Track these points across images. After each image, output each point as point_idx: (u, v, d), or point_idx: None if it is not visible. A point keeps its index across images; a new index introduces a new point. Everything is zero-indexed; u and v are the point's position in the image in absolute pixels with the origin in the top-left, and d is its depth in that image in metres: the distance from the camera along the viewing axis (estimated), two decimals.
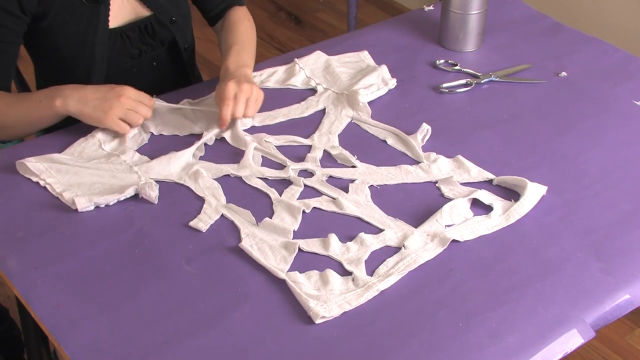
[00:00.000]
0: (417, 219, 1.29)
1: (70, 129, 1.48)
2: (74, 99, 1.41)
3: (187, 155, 1.41)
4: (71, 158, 1.40)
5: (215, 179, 1.38)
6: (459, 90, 1.62)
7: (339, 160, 1.43)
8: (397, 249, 1.24)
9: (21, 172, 1.38)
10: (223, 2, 1.72)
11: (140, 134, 1.47)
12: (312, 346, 1.09)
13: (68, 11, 1.49)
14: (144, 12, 1.59)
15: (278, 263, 1.21)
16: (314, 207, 1.32)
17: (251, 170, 1.39)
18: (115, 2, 1.54)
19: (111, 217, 1.30)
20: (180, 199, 1.34)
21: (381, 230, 1.27)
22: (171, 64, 1.69)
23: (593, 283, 1.18)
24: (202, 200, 1.33)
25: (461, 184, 1.37)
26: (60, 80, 1.47)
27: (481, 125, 1.52)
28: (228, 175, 1.39)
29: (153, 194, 1.32)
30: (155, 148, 1.44)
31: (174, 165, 1.39)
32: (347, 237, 1.26)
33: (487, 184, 1.37)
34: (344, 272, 1.20)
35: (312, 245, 1.24)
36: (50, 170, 1.36)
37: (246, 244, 1.24)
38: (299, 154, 1.44)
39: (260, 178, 1.38)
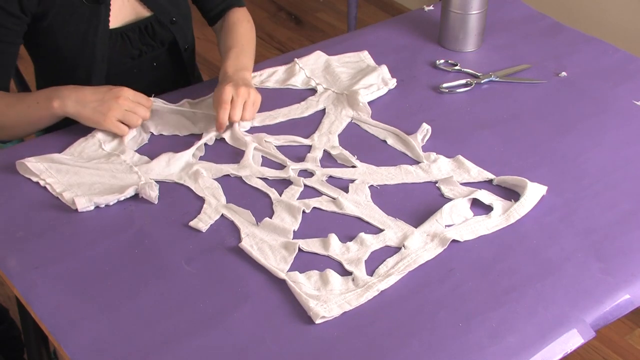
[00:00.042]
0: (417, 219, 1.29)
1: (70, 129, 1.48)
2: (72, 100, 1.41)
3: (187, 155, 1.41)
4: (71, 158, 1.40)
5: (215, 179, 1.38)
6: (459, 90, 1.62)
7: (339, 160, 1.43)
8: (397, 249, 1.24)
9: (21, 172, 1.38)
10: (223, 2, 1.72)
11: (140, 134, 1.47)
12: (312, 346, 1.09)
13: (68, 11, 1.49)
14: (145, 13, 1.59)
15: (278, 263, 1.21)
16: (314, 207, 1.32)
17: (251, 170, 1.39)
18: (115, 3, 1.54)
19: (111, 217, 1.30)
20: (180, 199, 1.34)
21: (381, 230, 1.27)
22: (171, 65, 1.69)
23: (593, 283, 1.18)
24: (202, 200, 1.33)
25: (461, 184, 1.37)
26: (60, 81, 1.47)
27: (481, 125, 1.52)
28: (228, 175, 1.39)
29: (153, 194, 1.32)
30: (155, 148, 1.44)
31: (174, 166, 1.39)
32: (347, 237, 1.26)
33: (487, 184, 1.37)
34: (344, 272, 1.20)
35: (312, 245, 1.24)
36: (50, 170, 1.36)
37: (246, 244, 1.24)
38: (299, 154, 1.44)
39: (260, 178, 1.38)
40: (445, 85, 1.62)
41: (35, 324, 1.27)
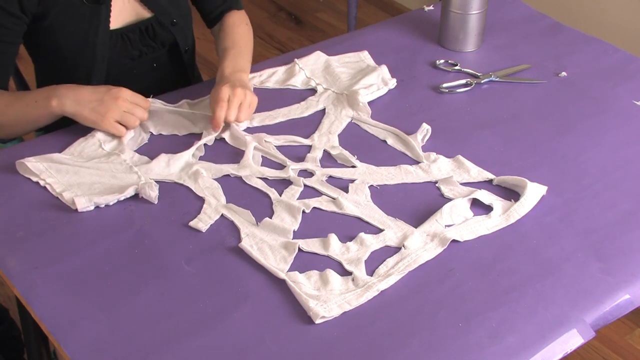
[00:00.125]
0: (417, 219, 1.29)
1: (70, 128, 1.48)
2: (70, 100, 1.41)
3: (186, 155, 1.41)
4: (71, 158, 1.40)
5: (215, 179, 1.38)
6: (459, 90, 1.62)
7: (339, 160, 1.43)
8: (397, 249, 1.24)
9: (21, 172, 1.38)
10: (222, 4, 1.72)
11: (139, 134, 1.47)
12: (312, 346, 1.09)
13: (69, 11, 1.49)
14: (145, 14, 1.59)
15: (278, 263, 1.21)
16: (314, 207, 1.32)
17: (251, 170, 1.39)
18: (116, 3, 1.54)
19: (111, 217, 1.30)
20: (180, 199, 1.34)
21: (381, 230, 1.27)
22: (171, 65, 1.69)
23: (593, 283, 1.18)
24: (202, 200, 1.33)
25: (461, 184, 1.37)
26: (60, 81, 1.47)
27: (481, 125, 1.52)
28: (228, 175, 1.39)
29: (153, 194, 1.32)
30: (154, 148, 1.44)
31: (174, 166, 1.39)
32: (347, 237, 1.26)
33: (487, 184, 1.37)
34: (344, 272, 1.20)
35: (312, 245, 1.24)
36: (50, 170, 1.36)
37: (246, 244, 1.24)
38: (299, 154, 1.44)
39: (260, 178, 1.38)
40: (445, 85, 1.62)
41: (35, 324, 1.27)
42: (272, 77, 1.65)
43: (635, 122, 1.53)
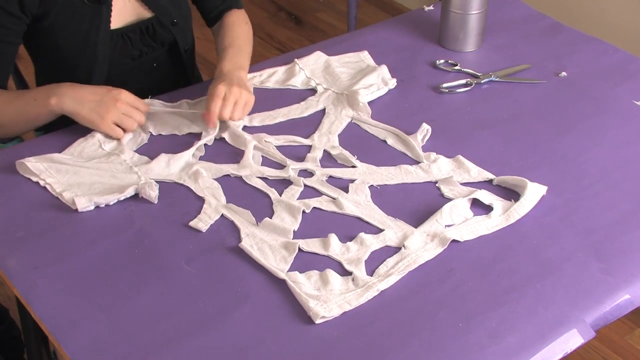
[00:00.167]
0: (417, 219, 1.29)
1: (70, 129, 1.48)
2: (70, 98, 1.41)
3: (186, 155, 1.41)
4: (71, 158, 1.40)
5: (215, 179, 1.38)
6: (459, 90, 1.62)
7: (339, 160, 1.43)
8: (397, 249, 1.24)
9: (21, 172, 1.38)
10: (222, 4, 1.73)
11: (139, 134, 1.47)
12: (312, 346, 1.09)
13: (69, 12, 1.49)
14: (146, 14, 1.59)
15: (278, 263, 1.21)
16: (314, 207, 1.32)
17: (251, 170, 1.39)
18: (117, 3, 1.54)
19: (111, 217, 1.30)
20: (180, 199, 1.34)
21: (381, 230, 1.27)
22: (171, 65, 1.69)
23: (593, 283, 1.18)
24: (202, 200, 1.33)
25: (461, 184, 1.37)
26: (60, 81, 1.47)
27: (481, 125, 1.52)
28: (228, 175, 1.39)
29: (153, 193, 1.32)
30: (154, 148, 1.44)
31: (174, 166, 1.39)
32: (347, 237, 1.26)
33: (487, 184, 1.37)
34: (344, 272, 1.20)
35: (312, 245, 1.24)
36: (50, 170, 1.36)
37: (246, 244, 1.24)
38: (299, 154, 1.44)
39: (260, 178, 1.38)
40: (445, 85, 1.62)
41: (35, 324, 1.27)
42: (272, 77, 1.65)
43: (635, 122, 1.53)
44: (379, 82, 1.61)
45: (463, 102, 1.59)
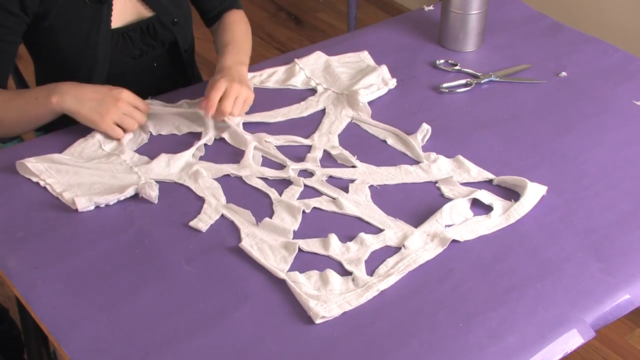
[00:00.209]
0: (417, 219, 1.29)
1: (70, 129, 1.48)
2: (71, 97, 1.41)
3: (186, 155, 1.41)
4: (71, 158, 1.40)
5: (215, 179, 1.38)
6: (459, 90, 1.62)
7: (339, 160, 1.43)
8: (397, 249, 1.24)
9: (21, 172, 1.38)
10: (221, 4, 1.73)
11: (139, 134, 1.47)
12: (312, 346, 1.09)
13: (70, 11, 1.49)
14: (146, 13, 1.59)
15: (278, 263, 1.21)
16: (314, 207, 1.32)
17: (251, 170, 1.39)
18: (117, 3, 1.54)
19: (111, 217, 1.30)
20: (180, 199, 1.34)
21: (381, 230, 1.27)
22: (171, 65, 1.69)
23: (593, 283, 1.18)
24: (202, 200, 1.33)
25: (461, 184, 1.37)
26: (60, 80, 1.47)
27: (481, 125, 1.52)
28: (228, 175, 1.39)
29: (153, 193, 1.32)
30: (154, 148, 1.44)
31: (174, 166, 1.39)
32: (347, 237, 1.26)
33: (487, 184, 1.37)
34: (344, 272, 1.20)
35: (312, 245, 1.24)
36: (50, 171, 1.36)
37: (246, 244, 1.24)
38: (299, 154, 1.44)
39: (260, 178, 1.38)
40: (445, 85, 1.62)
41: (35, 324, 1.27)
42: (272, 77, 1.65)
43: (635, 122, 1.53)
44: (379, 82, 1.61)
45: (463, 102, 1.59)
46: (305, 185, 1.36)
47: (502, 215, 1.30)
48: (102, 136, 1.44)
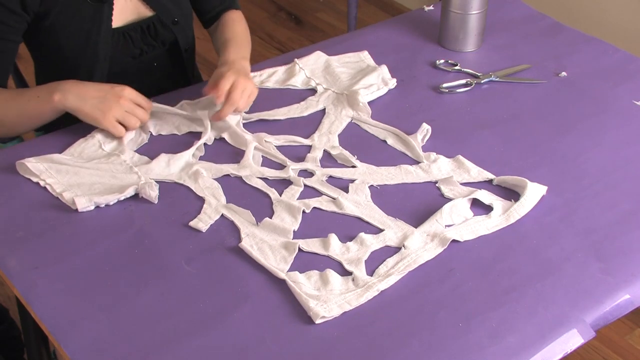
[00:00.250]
0: (417, 219, 1.29)
1: (70, 128, 1.48)
2: (73, 94, 1.41)
3: (186, 155, 1.41)
4: (71, 158, 1.40)
5: (215, 179, 1.38)
6: (459, 90, 1.62)
7: (339, 160, 1.43)
8: (397, 249, 1.24)
9: (21, 172, 1.38)
10: (220, 4, 1.73)
11: (139, 134, 1.47)
12: (312, 346, 1.09)
13: (71, 10, 1.49)
14: (147, 13, 1.60)
15: (278, 263, 1.21)
16: (314, 207, 1.32)
17: (251, 170, 1.39)
18: (118, 2, 1.54)
19: (111, 217, 1.30)
20: (180, 199, 1.34)
21: (381, 230, 1.27)
22: (171, 65, 1.69)
23: (593, 283, 1.18)
24: (202, 200, 1.33)
25: (461, 184, 1.37)
26: (60, 80, 1.47)
27: (481, 125, 1.52)
28: (228, 175, 1.39)
29: (153, 193, 1.32)
30: (154, 148, 1.44)
31: (174, 166, 1.39)
32: (347, 237, 1.26)
33: (487, 184, 1.37)
34: (344, 272, 1.20)
35: (312, 245, 1.24)
36: (50, 171, 1.36)
37: (246, 244, 1.24)
38: (299, 154, 1.44)
39: (260, 178, 1.38)
40: (445, 85, 1.62)
41: (35, 324, 1.27)
42: (272, 77, 1.65)
43: (635, 122, 1.53)
44: (379, 82, 1.61)
45: (463, 102, 1.59)
46: (305, 185, 1.36)
47: (502, 215, 1.30)
48: (102, 136, 1.44)
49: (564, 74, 1.66)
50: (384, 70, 1.64)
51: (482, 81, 1.64)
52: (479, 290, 1.17)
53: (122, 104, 1.41)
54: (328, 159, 1.43)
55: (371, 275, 1.19)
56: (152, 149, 1.44)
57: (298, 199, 1.33)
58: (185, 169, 1.39)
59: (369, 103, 1.56)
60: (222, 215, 1.30)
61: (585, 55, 1.73)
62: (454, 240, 1.25)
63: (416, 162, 1.42)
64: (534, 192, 1.32)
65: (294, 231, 1.27)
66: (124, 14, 1.57)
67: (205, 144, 1.45)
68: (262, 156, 1.43)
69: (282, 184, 1.37)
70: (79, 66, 1.54)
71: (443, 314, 1.13)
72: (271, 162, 1.42)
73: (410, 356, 1.07)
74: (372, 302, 1.15)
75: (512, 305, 1.14)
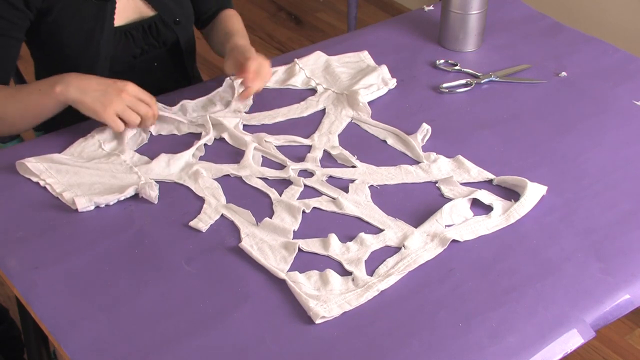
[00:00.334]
0: (417, 219, 1.29)
1: (70, 128, 1.48)
2: (75, 87, 1.40)
3: (186, 155, 1.41)
4: (71, 158, 1.40)
5: (215, 179, 1.38)
6: (459, 90, 1.62)
7: (339, 160, 1.43)
8: (397, 249, 1.24)
9: (21, 172, 1.38)
10: (217, 4, 1.74)
11: (139, 134, 1.47)
12: (312, 346, 1.09)
13: (74, 8, 1.49)
14: (148, 12, 1.60)
15: (278, 263, 1.21)
16: (314, 207, 1.32)
17: (251, 170, 1.39)
18: (120, 1, 1.54)
19: (111, 217, 1.30)
20: (180, 199, 1.34)
21: (381, 230, 1.27)
22: (172, 65, 1.69)
23: (593, 283, 1.19)
24: (202, 200, 1.33)
25: (461, 184, 1.37)
26: None
27: (481, 125, 1.52)
28: (228, 175, 1.39)
29: (153, 193, 1.32)
30: (154, 148, 1.44)
31: (174, 166, 1.39)
32: (347, 237, 1.26)
33: (487, 184, 1.37)
34: (344, 272, 1.20)
35: (312, 245, 1.24)
36: (50, 171, 1.36)
37: (246, 244, 1.24)
38: (299, 154, 1.44)
39: (260, 178, 1.38)
40: (445, 85, 1.62)
41: (35, 324, 1.27)
42: (272, 77, 1.65)
43: (635, 122, 1.53)
44: (379, 82, 1.61)
45: (463, 102, 1.59)
46: (305, 185, 1.36)
47: (502, 215, 1.30)
48: (102, 136, 1.44)
49: (564, 74, 1.66)
50: (384, 70, 1.64)
51: (482, 81, 1.64)
52: (479, 290, 1.17)
53: (124, 98, 1.40)
54: (328, 159, 1.43)
55: (371, 275, 1.19)
56: (152, 149, 1.44)
57: (298, 199, 1.33)
58: (185, 169, 1.39)
59: (369, 103, 1.56)
60: (222, 215, 1.30)
61: (585, 55, 1.73)
62: (454, 240, 1.25)
63: (416, 162, 1.42)
64: (534, 192, 1.32)
65: (294, 231, 1.27)
66: (125, 13, 1.57)
67: (205, 144, 1.45)
68: (262, 156, 1.43)
69: (282, 184, 1.37)
70: (80, 65, 1.54)
71: (443, 314, 1.13)
72: (271, 162, 1.42)
73: (410, 356, 1.07)
74: (372, 302, 1.15)
75: (512, 305, 1.14)
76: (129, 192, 1.32)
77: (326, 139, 1.47)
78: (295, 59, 1.68)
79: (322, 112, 1.55)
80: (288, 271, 1.19)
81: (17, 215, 1.30)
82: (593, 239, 1.26)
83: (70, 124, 1.48)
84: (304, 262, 1.21)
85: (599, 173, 1.40)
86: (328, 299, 1.14)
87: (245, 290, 1.17)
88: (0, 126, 1.46)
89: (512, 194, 1.35)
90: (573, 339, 1.11)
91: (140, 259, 1.22)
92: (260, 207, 1.32)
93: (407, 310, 1.14)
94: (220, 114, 1.50)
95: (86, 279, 1.18)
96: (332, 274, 1.18)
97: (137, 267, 1.21)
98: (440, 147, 1.45)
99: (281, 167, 1.41)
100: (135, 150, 1.44)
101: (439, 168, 1.40)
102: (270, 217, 1.29)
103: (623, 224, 1.29)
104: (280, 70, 1.67)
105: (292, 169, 1.39)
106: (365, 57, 1.70)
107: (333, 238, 1.25)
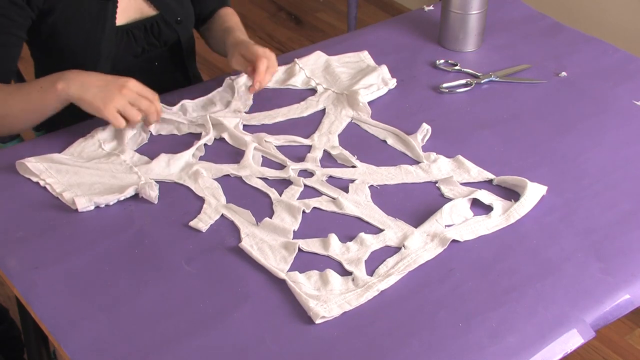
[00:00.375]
0: (417, 219, 1.29)
1: (70, 128, 1.48)
2: (76, 83, 1.39)
3: (186, 155, 1.41)
4: (71, 158, 1.40)
5: (215, 179, 1.38)
6: (459, 90, 1.62)
7: (339, 160, 1.43)
8: (397, 249, 1.24)
9: (21, 172, 1.38)
10: (215, 3, 1.74)
11: (139, 134, 1.47)
12: (312, 346, 1.09)
13: (75, 7, 1.49)
14: (150, 12, 1.60)
15: (278, 263, 1.21)
16: (314, 207, 1.32)
17: (251, 170, 1.39)
18: (121, 0, 1.54)
19: (111, 217, 1.30)
20: (180, 199, 1.34)
21: (381, 230, 1.27)
22: (172, 64, 1.69)
23: (593, 283, 1.19)
24: (202, 200, 1.33)
25: (461, 184, 1.37)
26: None
27: (481, 125, 1.52)
28: (228, 175, 1.39)
29: (153, 193, 1.32)
30: (154, 148, 1.44)
31: (174, 166, 1.39)
32: (347, 237, 1.26)
33: (487, 184, 1.37)
34: (344, 272, 1.20)
35: (312, 245, 1.24)
36: (50, 170, 1.36)
37: (246, 244, 1.24)
38: (299, 154, 1.44)
39: (260, 178, 1.38)
40: (445, 85, 1.62)
41: (35, 324, 1.27)
42: (272, 76, 1.65)
43: (635, 122, 1.53)
44: (379, 82, 1.61)
45: (463, 102, 1.59)
46: (305, 185, 1.36)
47: (502, 215, 1.30)
48: (102, 136, 1.44)
49: (564, 74, 1.66)
50: (384, 70, 1.64)
51: (482, 81, 1.64)
52: (479, 290, 1.17)
53: (125, 94, 1.39)
54: (328, 159, 1.43)
55: (371, 275, 1.19)
56: (152, 149, 1.44)
57: (298, 199, 1.33)
58: (185, 169, 1.39)
59: (369, 103, 1.56)
60: (222, 215, 1.30)
61: (585, 55, 1.73)
62: (454, 240, 1.25)
63: (416, 162, 1.42)
64: (534, 192, 1.32)
65: (294, 231, 1.27)
66: (127, 12, 1.57)
67: (205, 144, 1.45)
68: (262, 156, 1.43)
69: (282, 184, 1.37)
70: (81, 65, 1.53)
71: (443, 314, 1.13)
72: (271, 162, 1.42)
73: (410, 356, 1.07)
74: (372, 302, 1.15)
75: (512, 305, 1.14)
76: (129, 192, 1.32)
77: (326, 139, 1.47)
78: (295, 59, 1.68)
79: (322, 112, 1.55)
80: (288, 271, 1.19)
81: (17, 215, 1.30)
82: (593, 239, 1.26)
83: (70, 124, 1.48)
84: (304, 262, 1.21)
85: (599, 173, 1.40)
86: (328, 299, 1.14)
87: (245, 290, 1.17)
88: (1, 124, 1.46)
89: (512, 194, 1.35)
90: (573, 339, 1.11)
91: (140, 259, 1.22)
92: (260, 207, 1.32)
93: (407, 310, 1.14)
94: (220, 114, 1.50)
95: (86, 279, 1.19)
96: (332, 274, 1.18)
97: (137, 267, 1.21)
98: (440, 147, 1.45)
99: (281, 167, 1.41)
100: (135, 150, 1.44)
101: (439, 168, 1.40)
102: (270, 217, 1.29)
103: (623, 224, 1.29)
104: (280, 70, 1.66)
105: (292, 169, 1.39)
106: (365, 57, 1.70)
107: (333, 238, 1.25)
